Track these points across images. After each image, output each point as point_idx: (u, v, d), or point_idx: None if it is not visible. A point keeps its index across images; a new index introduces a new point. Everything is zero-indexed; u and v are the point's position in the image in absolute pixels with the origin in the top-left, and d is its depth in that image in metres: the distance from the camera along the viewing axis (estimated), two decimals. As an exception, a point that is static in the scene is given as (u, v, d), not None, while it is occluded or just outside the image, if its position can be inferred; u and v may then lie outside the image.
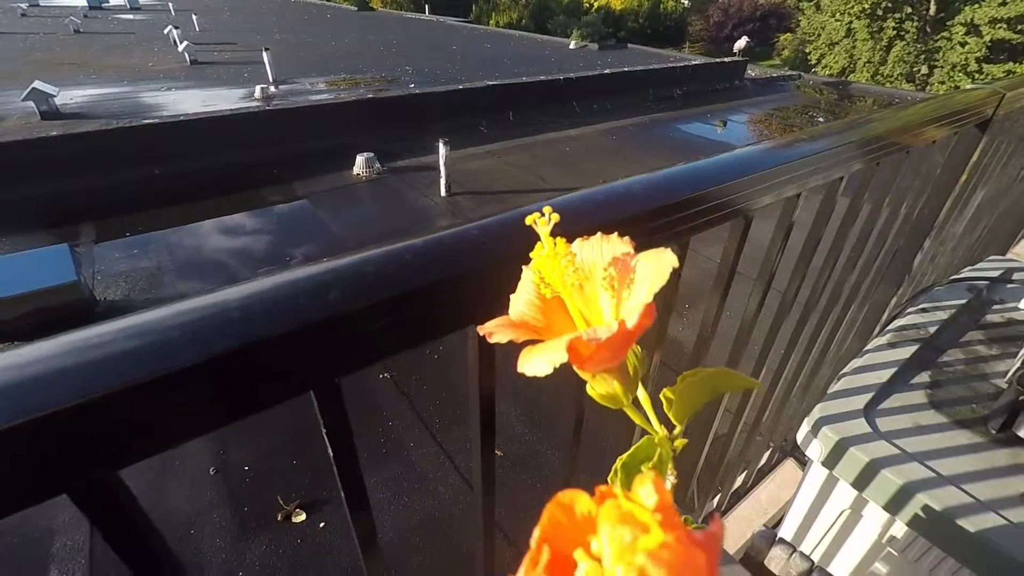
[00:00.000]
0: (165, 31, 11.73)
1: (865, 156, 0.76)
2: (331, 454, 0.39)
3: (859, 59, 17.60)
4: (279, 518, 1.99)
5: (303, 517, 2.00)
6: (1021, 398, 0.97)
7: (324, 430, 0.37)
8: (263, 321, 0.29)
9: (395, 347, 0.36)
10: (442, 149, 4.74)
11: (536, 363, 0.15)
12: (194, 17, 14.69)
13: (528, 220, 0.17)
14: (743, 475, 1.58)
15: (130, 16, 17.11)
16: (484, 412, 0.49)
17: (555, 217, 0.17)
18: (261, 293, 0.30)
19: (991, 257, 1.67)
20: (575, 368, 0.19)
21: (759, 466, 1.61)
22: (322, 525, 1.98)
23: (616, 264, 0.18)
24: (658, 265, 0.16)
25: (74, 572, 1.78)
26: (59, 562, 1.81)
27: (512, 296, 0.20)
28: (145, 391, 0.26)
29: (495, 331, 0.19)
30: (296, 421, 2.45)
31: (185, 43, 9.62)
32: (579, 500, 0.10)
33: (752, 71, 12.43)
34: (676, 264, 0.16)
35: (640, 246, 0.53)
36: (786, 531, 1.14)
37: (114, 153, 5.06)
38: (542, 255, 0.17)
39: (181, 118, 5.50)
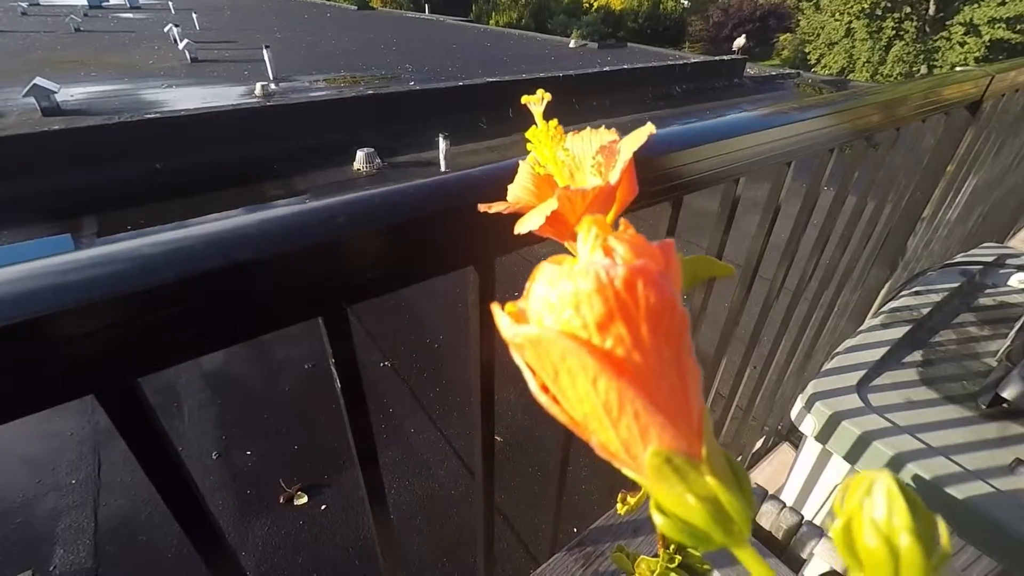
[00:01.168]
0: (165, 29, 11.76)
1: (856, 130, 0.78)
2: (338, 386, 0.40)
3: (858, 59, 17.62)
4: (281, 501, 2.02)
5: (305, 499, 2.03)
6: (1009, 374, 0.99)
7: (331, 360, 0.39)
8: (277, 238, 0.31)
9: (399, 278, 0.38)
10: (442, 144, 4.76)
11: (531, 219, 0.17)
12: (194, 16, 14.71)
13: (524, 99, 0.20)
14: (738, 460, 1.60)
15: (130, 15, 17.13)
16: (484, 360, 0.51)
17: (547, 96, 0.20)
18: (276, 217, 0.33)
19: (985, 244, 1.69)
20: (564, 243, 0.20)
21: (754, 450, 1.62)
22: (323, 507, 2.01)
23: (603, 152, 0.20)
24: (636, 133, 0.18)
25: (79, 552, 1.81)
26: (64, 542, 1.83)
27: (510, 186, 0.22)
28: (168, 293, 0.28)
29: (494, 205, 0.21)
30: (297, 405, 2.48)
31: (185, 41, 9.64)
32: (564, 260, 0.12)
33: (751, 70, 12.45)
34: (653, 130, 0.18)
35: (634, 201, 0.55)
36: (781, 507, 1.16)
37: (116, 148, 5.08)
38: (537, 133, 0.19)
39: (182, 113, 5.52)
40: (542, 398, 0.12)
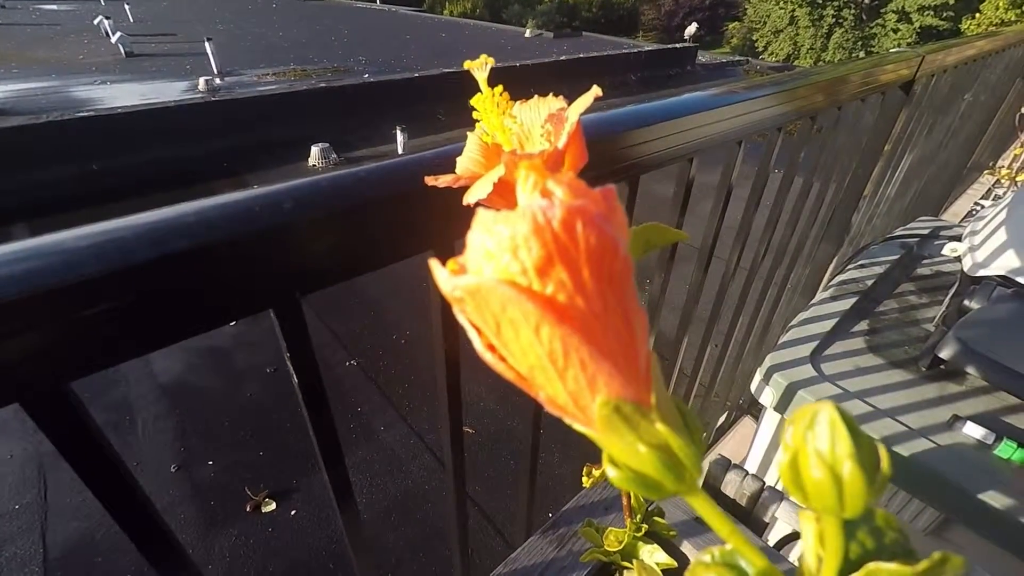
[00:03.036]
0: (95, 22, 11.01)
1: (801, 108, 0.81)
2: (295, 381, 0.39)
3: (802, 46, 18.34)
4: (248, 509, 1.96)
5: (273, 506, 1.97)
6: (946, 336, 1.05)
7: (287, 355, 0.37)
8: (218, 225, 0.29)
9: (354, 265, 0.36)
10: (400, 137, 4.67)
11: (479, 188, 0.17)
12: (127, 7, 13.83)
13: (467, 65, 0.19)
14: (703, 436, 1.64)
15: (54, 6, 15.97)
16: (449, 348, 0.50)
17: (490, 61, 0.19)
18: (216, 204, 0.31)
19: (921, 217, 1.79)
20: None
21: (717, 425, 1.68)
22: (293, 513, 1.96)
23: (552, 120, 0.20)
24: (582, 98, 0.18)
25: (27, 580, 1.70)
26: (9, 573, 1.72)
27: (458, 158, 0.21)
28: (97, 288, 0.26)
29: (441, 178, 0.20)
30: (260, 411, 2.40)
31: (119, 34, 9.07)
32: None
33: (703, 57, 12.77)
34: (600, 93, 0.18)
35: (589, 181, 0.55)
36: (744, 476, 1.21)
37: (46, 150, 4.73)
38: (481, 100, 0.19)
39: (120, 111, 5.19)
40: (488, 356, 0.11)
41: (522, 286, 0.10)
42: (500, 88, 0.19)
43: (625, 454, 0.11)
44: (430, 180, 0.20)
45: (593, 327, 0.11)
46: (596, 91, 0.18)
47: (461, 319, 0.11)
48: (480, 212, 0.10)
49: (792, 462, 0.11)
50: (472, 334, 0.11)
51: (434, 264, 0.11)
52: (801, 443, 0.11)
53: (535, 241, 0.10)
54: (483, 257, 0.10)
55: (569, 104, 0.20)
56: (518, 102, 0.21)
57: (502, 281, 0.10)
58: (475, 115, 0.19)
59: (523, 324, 0.10)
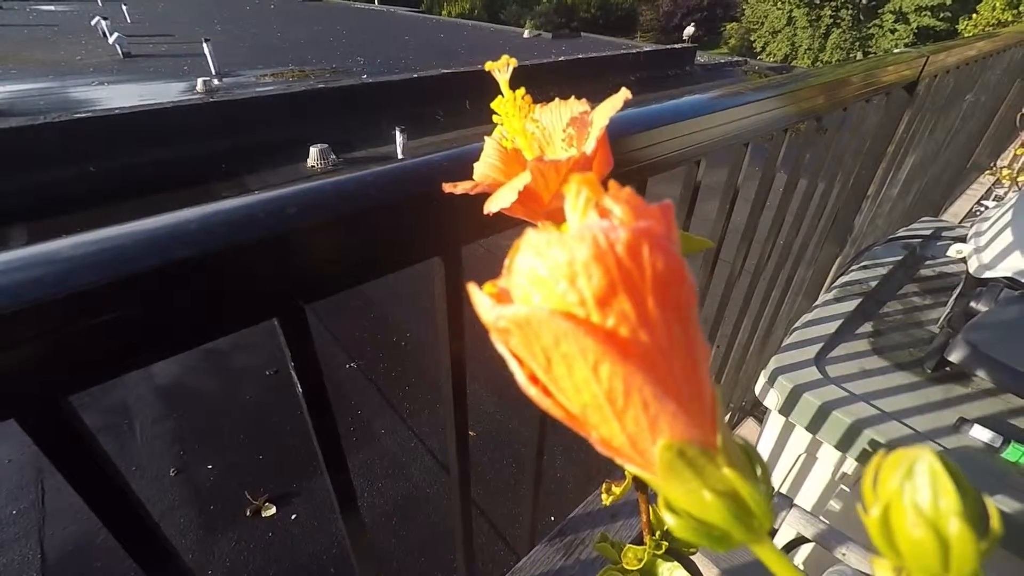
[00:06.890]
0: (92, 22, 10.99)
1: (806, 110, 0.80)
2: (299, 391, 0.38)
3: (800, 46, 18.38)
4: (248, 513, 1.94)
5: (273, 510, 1.96)
6: (951, 339, 1.04)
7: (291, 364, 0.36)
8: (221, 233, 0.28)
9: (359, 273, 0.35)
10: (399, 138, 4.66)
11: (502, 196, 0.16)
12: (124, 8, 13.81)
13: (488, 66, 0.18)
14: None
15: (51, 7, 15.94)
16: (454, 354, 0.49)
17: (512, 62, 0.18)
18: (219, 211, 0.30)
19: (923, 218, 1.79)
20: (536, 225, 0.19)
21: (721, 426, 1.66)
22: (293, 517, 1.94)
23: (574, 123, 0.19)
24: (611, 100, 0.16)
25: (25, 587, 1.68)
26: (7, 579, 1.70)
27: (475, 164, 0.20)
28: (95, 299, 0.25)
29: (460, 185, 0.19)
30: (260, 414, 2.38)
31: (116, 35, 9.05)
32: (551, 228, 0.10)
33: (701, 58, 12.79)
34: (629, 96, 0.17)
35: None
36: (748, 480, 1.20)
37: (43, 151, 4.71)
38: (503, 104, 0.18)
39: (117, 112, 5.17)
40: (531, 391, 0.10)
41: (579, 318, 0.09)
42: (522, 91, 0.18)
43: (688, 501, 0.10)
44: (448, 187, 0.19)
45: (657, 363, 0.10)
46: (626, 93, 0.17)
47: (500, 349, 0.10)
48: (529, 233, 0.09)
49: (883, 516, 0.10)
50: (514, 365, 0.10)
51: (474, 290, 0.10)
52: (896, 495, 0.10)
53: (596, 268, 0.09)
54: (532, 283, 0.09)
55: (592, 108, 0.19)
56: (538, 105, 0.20)
57: (556, 312, 0.09)
58: (494, 119, 0.18)
59: (579, 360, 0.09)
